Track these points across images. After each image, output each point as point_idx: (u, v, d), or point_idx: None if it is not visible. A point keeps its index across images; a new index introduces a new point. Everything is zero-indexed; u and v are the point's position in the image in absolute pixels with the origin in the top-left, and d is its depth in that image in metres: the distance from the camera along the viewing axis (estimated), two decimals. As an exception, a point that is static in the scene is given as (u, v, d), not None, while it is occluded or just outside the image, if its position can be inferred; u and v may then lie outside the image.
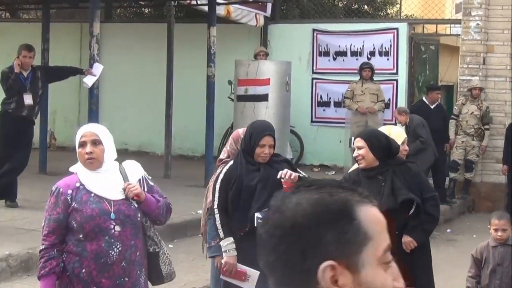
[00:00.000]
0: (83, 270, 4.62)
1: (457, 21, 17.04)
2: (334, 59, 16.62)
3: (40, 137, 14.10)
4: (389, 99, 15.75)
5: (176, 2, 15.33)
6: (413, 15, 19.61)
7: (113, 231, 4.62)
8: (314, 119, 16.80)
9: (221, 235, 5.79)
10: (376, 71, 15.23)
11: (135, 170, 4.85)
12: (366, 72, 15.06)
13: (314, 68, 16.77)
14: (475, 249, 6.78)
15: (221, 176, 5.86)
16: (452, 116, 14.61)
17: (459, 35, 15.75)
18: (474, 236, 11.45)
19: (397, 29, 16.19)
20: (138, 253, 4.72)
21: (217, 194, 5.83)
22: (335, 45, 16.59)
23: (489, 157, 14.69)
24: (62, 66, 12.10)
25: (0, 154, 11.00)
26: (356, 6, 20.70)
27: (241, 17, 16.07)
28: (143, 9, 21.17)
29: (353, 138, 13.80)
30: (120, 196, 4.68)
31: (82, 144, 4.69)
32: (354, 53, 16.45)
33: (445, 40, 18.32)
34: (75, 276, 4.63)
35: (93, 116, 11.33)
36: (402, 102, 15.95)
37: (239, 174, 5.77)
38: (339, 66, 16.52)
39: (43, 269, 4.64)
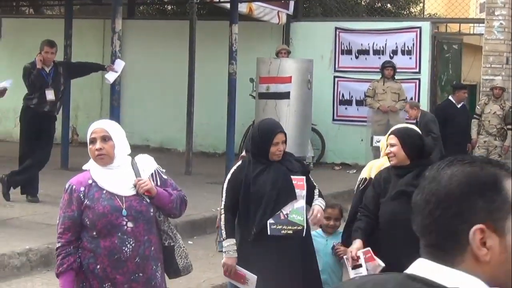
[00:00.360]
0: (98, 266, 4.62)
1: (480, 21, 16.95)
2: (357, 57, 16.57)
3: (62, 133, 14.15)
4: (412, 98, 15.67)
5: (199, -1, 15.36)
6: (436, 14, 19.53)
7: (125, 227, 4.62)
8: (335, 117, 16.76)
9: (224, 235, 5.77)
10: (398, 70, 15.18)
11: (147, 164, 4.84)
12: (388, 70, 15.01)
13: (336, 66, 16.73)
14: None
15: (229, 176, 5.85)
16: (475, 116, 14.54)
17: (483, 34, 15.66)
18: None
19: (420, 28, 16.11)
20: (152, 248, 4.71)
21: (224, 194, 5.81)
22: (357, 44, 16.55)
23: (512, 157, 14.60)
24: (84, 62, 12.12)
25: (22, 149, 11.06)
26: (379, 4, 20.65)
27: (263, 14, 16.05)
28: (165, 6, 21.20)
29: (374, 136, 13.89)
30: (131, 192, 4.67)
31: (92, 141, 4.70)
32: (377, 52, 16.39)
33: (468, 40, 18.22)
34: (90, 272, 4.64)
35: (114, 112, 11.35)
36: (425, 101, 15.88)
37: (248, 174, 5.71)
38: (361, 65, 16.47)
39: (61, 266, 4.64)
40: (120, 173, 4.69)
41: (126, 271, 4.63)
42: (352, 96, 16.59)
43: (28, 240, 8.54)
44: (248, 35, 15.87)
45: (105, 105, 17.90)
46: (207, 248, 9.03)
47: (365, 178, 6.16)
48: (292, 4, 16.66)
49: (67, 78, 11.58)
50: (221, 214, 5.83)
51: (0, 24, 17.50)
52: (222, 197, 5.84)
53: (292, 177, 5.77)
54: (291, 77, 15.14)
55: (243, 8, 14.90)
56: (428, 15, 18.90)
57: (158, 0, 20.57)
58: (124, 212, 4.62)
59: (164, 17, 20.36)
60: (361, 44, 16.50)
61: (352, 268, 5.66)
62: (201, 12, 18.16)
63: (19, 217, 9.85)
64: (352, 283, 2.10)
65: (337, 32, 16.71)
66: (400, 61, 15.79)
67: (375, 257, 5.56)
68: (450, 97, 14.79)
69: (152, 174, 4.81)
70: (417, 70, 16.07)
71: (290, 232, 5.65)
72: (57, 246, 4.69)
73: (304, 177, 5.84)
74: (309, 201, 5.89)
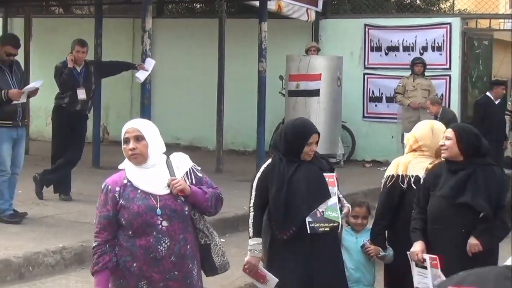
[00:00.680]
0: (134, 265, 4.65)
1: (511, 16, 16.82)
2: (386, 54, 16.53)
3: (93, 132, 14.25)
4: (442, 95, 15.61)
5: (228, -3, 15.37)
6: (466, 9, 19.40)
7: (160, 226, 4.63)
8: (366, 115, 16.72)
9: (250, 233, 5.77)
10: (428, 66, 15.13)
11: (182, 163, 4.84)
12: (418, 67, 14.96)
13: (366, 63, 16.70)
14: None
15: (259, 174, 5.83)
16: (506, 113, 14.45)
17: (513, 29, 15.56)
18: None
19: (450, 24, 16.03)
20: (188, 246, 4.72)
21: (254, 192, 5.80)
22: (387, 40, 16.50)
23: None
24: (114, 61, 12.16)
25: (54, 148, 11.15)
26: (409, 0, 20.57)
27: (292, 12, 16.03)
28: (194, 4, 21.24)
29: (405, 133, 13.84)
30: (166, 191, 4.68)
31: (126, 141, 4.71)
32: (406, 48, 16.34)
33: (499, 35, 18.11)
34: (127, 270, 4.67)
35: (145, 110, 11.40)
36: (455, 98, 15.81)
37: (280, 172, 5.71)
38: (391, 61, 16.42)
39: (97, 264, 4.68)
40: (155, 172, 4.70)
41: (162, 270, 4.65)
42: (382, 93, 16.54)
43: (62, 238, 8.60)
44: (277, 32, 15.88)
45: (135, 104, 18.00)
46: (239, 245, 9.03)
47: (392, 175, 6.17)
48: (321, 1, 16.64)
49: (98, 77, 11.64)
50: (250, 212, 5.82)
51: (30, 23, 17.59)
52: (251, 194, 5.84)
53: (324, 174, 5.78)
54: (320, 74, 15.14)
55: (272, 5, 14.90)
56: (458, 11, 18.78)
57: (187, -2, 20.65)
58: (158, 211, 4.63)
59: (193, 15, 20.39)
60: (391, 41, 16.45)
61: (416, 266, 5.72)
62: (230, 10, 18.17)
63: (53, 215, 9.92)
64: (452, 279, 2.10)
65: (367, 29, 16.68)
66: (430, 57, 15.73)
67: (438, 266, 5.60)
68: (488, 93, 14.69)
69: (187, 173, 4.81)
70: (447, 66, 16.00)
71: (327, 229, 5.66)
72: (94, 245, 4.73)
73: (334, 174, 5.85)
74: None
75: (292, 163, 5.71)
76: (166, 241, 4.64)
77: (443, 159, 5.87)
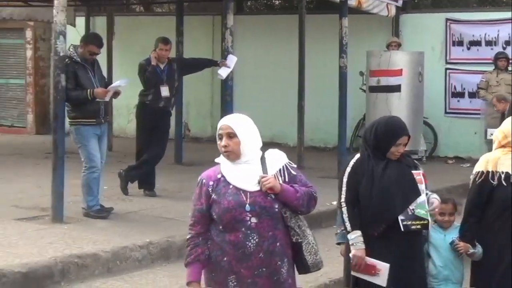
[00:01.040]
0: (224, 259, 4.69)
1: None
2: (468, 48, 16.31)
3: (175, 128, 14.37)
4: (526, 90, 15.34)
5: (308, -7, 15.35)
6: (551, 2, 19.00)
7: (249, 222, 4.65)
8: (448, 110, 16.52)
9: (348, 228, 5.73)
10: (512, 61, 14.89)
11: (276, 160, 4.84)
12: (502, 62, 14.74)
13: (448, 58, 16.50)
14: None
15: (349, 169, 5.81)
16: None
17: None
18: None
19: (533, 17, 15.74)
20: (278, 244, 4.72)
21: (344, 187, 5.78)
22: (469, 35, 16.28)
23: None
24: (197, 58, 12.25)
25: (139, 144, 11.30)
26: (490, -6, 20.24)
27: (372, 7, 15.91)
28: (273, 0, 21.29)
29: (488, 129, 13.63)
30: (257, 187, 4.70)
31: (220, 137, 4.74)
32: (489, 43, 16.10)
33: None
34: (218, 264, 4.71)
35: (227, 107, 11.45)
36: (540, 93, 15.51)
37: (370, 168, 5.68)
38: (473, 56, 16.19)
39: (189, 256, 4.75)
40: (248, 169, 4.72)
41: (251, 266, 4.68)
42: (464, 88, 16.33)
43: (148, 233, 8.71)
44: (357, 28, 15.79)
45: (215, 100, 18.10)
46: (323, 242, 8.92)
47: (482, 172, 6.07)
48: (401, -4, 16.51)
49: (181, 74, 11.77)
50: (342, 208, 5.79)
51: (113, 22, 17.86)
52: (341, 190, 5.81)
53: (412, 172, 5.75)
54: (401, 69, 15.03)
55: (352, 1, 14.79)
56: (541, 4, 18.41)
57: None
58: (247, 207, 4.65)
59: (272, 11, 20.44)
60: (473, 35, 16.23)
61: None
62: (310, 6, 18.15)
63: (138, 211, 10.07)
64: None
65: (448, 23, 16.48)
66: (513, 52, 15.48)
67: None
68: None
69: (280, 170, 4.81)
70: (531, 60, 15.70)
71: (419, 226, 5.65)
72: (187, 237, 4.80)
73: (421, 171, 5.80)
74: None
75: (380, 160, 5.69)
76: (255, 238, 4.65)
77: None
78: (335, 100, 13.98)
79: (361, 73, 15.77)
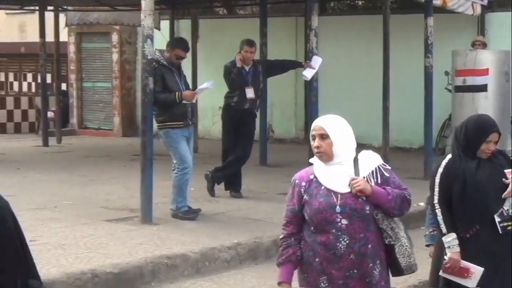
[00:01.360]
0: (316, 260, 4.70)
1: None
2: (556, 46, 15.96)
3: (260, 130, 14.41)
4: None
5: (392, -7, 15.25)
6: None
7: (340, 224, 4.64)
8: (535, 110, 16.20)
9: (444, 230, 5.67)
10: None
11: (369, 161, 4.83)
12: None
13: (536, 57, 16.18)
14: None
15: (441, 170, 5.75)
16: None
17: None
18: None
19: None
20: (369, 246, 4.70)
21: (437, 188, 5.72)
22: (557, 32, 15.97)
23: None
24: (282, 59, 12.29)
25: (225, 146, 11.39)
26: None
27: (457, 6, 15.72)
28: (356, 1, 21.21)
29: None
30: (348, 189, 4.68)
31: (313, 138, 4.76)
32: None
33: None
34: (309, 265, 4.73)
35: (312, 108, 11.47)
36: None
37: (462, 168, 5.62)
38: (563, 55, 15.85)
39: (281, 257, 4.78)
40: (340, 170, 4.72)
41: (341, 267, 4.67)
42: (552, 87, 15.98)
43: (235, 234, 8.79)
44: (441, 27, 15.63)
45: (299, 101, 18.17)
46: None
47: None
48: (487, -6, 16.28)
49: (266, 76, 11.82)
50: (435, 209, 5.73)
51: (197, 25, 18.05)
52: (434, 191, 5.76)
53: (505, 171, 5.67)
54: (488, 69, 14.80)
55: (437, 0, 14.67)
56: None
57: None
58: (338, 209, 4.65)
59: (356, 12, 20.37)
60: (561, 33, 15.90)
61: None
62: (394, 6, 18.01)
63: (225, 212, 10.16)
64: None
65: (535, 22, 16.17)
66: None
67: None
68: None
69: (372, 172, 4.79)
70: None
71: None
72: (280, 237, 4.82)
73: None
74: None
75: (472, 159, 5.63)
76: (345, 239, 4.65)
77: None
78: (420, 100, 13.87)
79: (447, 73, 15.60)
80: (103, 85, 21.42)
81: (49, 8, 18.87)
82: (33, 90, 23.09)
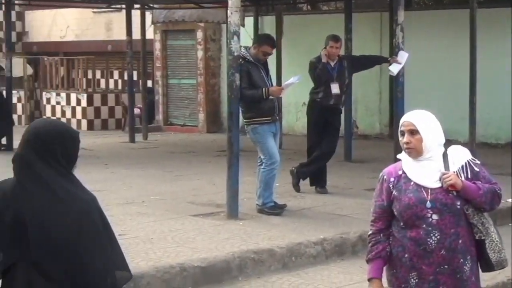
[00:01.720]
0: (406, 255, 4.68)
1: None
2: None
3: (345, 126, 14.37)
4: None
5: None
6: None
7: (430, 219, 4.62)
8: None
9: None
10: None
11: (459, 156, 4.79)
12: None
13: None
14: None
15: None
16: None
17: None
18: None
19: None
20: (460, 241, 4.66)
21: None
22: None
23: None
24: (367, 55, 12.22)
25: (310, 142, 11.40)
26: None
27: (548, -2, 15.43)
28: (442, -5, 20.94)
29: None
30: (438, 184, 4.65)
31: (402, 134, 4.74)
32: None
33: None
34: (399, 260, 4.71)
35: (399, 103, 11.39)
36: None
37: None
38: None
39: (370, 253, 4.77)
40: (429, 165, 4.69)
41: (432, 262, 4.64)
42: None
43: (321, 230, 8.80)
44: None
45: (383, 97, 18.06)
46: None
47: None
48: None
49: (351, 71, 11.77)
50: None
51: (281, 21, 18.09)
52: None
53: None
54: None
55: (525, -6, 14.43)
56: None
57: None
58: (428, 204, 4.62)
59: (441, 6, 20.11)
60: None
61: None
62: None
63: (310, 207, 10.17)
64: None
65: None
66: None
67: None
68: None
69: (462, 167, 4.75)
70: None
71: None
72: (369, 233, 4.82)
73: None
74: None
75: None
76: (436, 235, 4.62)
77: None
78: (507, 95, 13.66)
79: (535, 67, 15.33)
80: (188, 82, 21.64)
81: (136, 6, 19.17)
82: (120, 87, 23.44)
